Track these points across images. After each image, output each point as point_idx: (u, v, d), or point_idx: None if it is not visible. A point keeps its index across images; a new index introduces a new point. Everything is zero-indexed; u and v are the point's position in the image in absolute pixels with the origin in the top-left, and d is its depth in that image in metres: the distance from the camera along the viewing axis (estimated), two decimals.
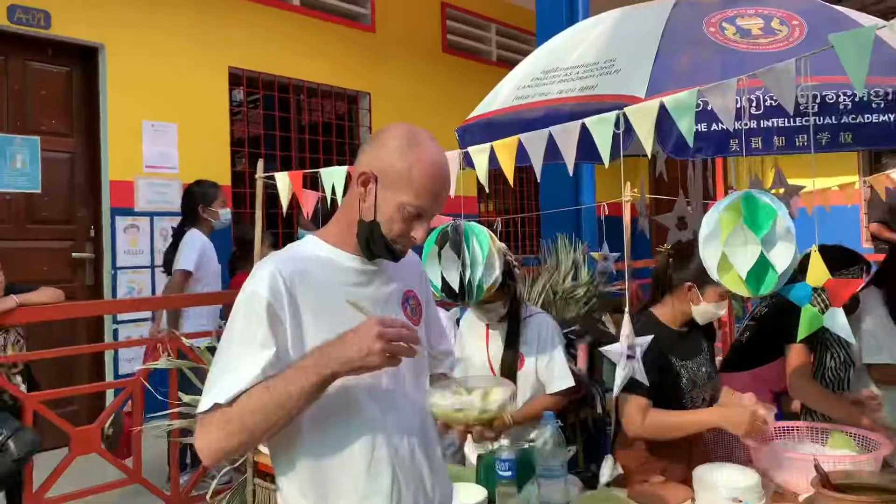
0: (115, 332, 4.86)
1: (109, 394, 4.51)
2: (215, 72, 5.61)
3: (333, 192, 2.76)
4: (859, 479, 1.53)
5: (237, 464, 2.90)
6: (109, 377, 4.82)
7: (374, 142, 1.45)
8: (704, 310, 2.32)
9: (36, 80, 4.79)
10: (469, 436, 1.40)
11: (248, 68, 5.84)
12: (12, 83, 4.68)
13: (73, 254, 4.91)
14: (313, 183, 2.89)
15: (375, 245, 1.42)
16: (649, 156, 1.96)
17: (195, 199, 4.30)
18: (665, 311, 2.39)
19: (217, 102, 5.62)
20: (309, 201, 3.05)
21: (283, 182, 2.92)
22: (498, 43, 8.14)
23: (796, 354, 2.59)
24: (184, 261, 4.13)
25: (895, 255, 2.89)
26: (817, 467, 1.58)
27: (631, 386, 2.12)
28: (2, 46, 4.62)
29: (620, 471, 2.24)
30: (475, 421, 1.34)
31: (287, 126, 6.27)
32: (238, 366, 1.30)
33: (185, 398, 2.85)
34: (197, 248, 4.18)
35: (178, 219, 4.43)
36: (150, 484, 3.17)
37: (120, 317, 4.86)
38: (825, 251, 1.66)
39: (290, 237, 5.86)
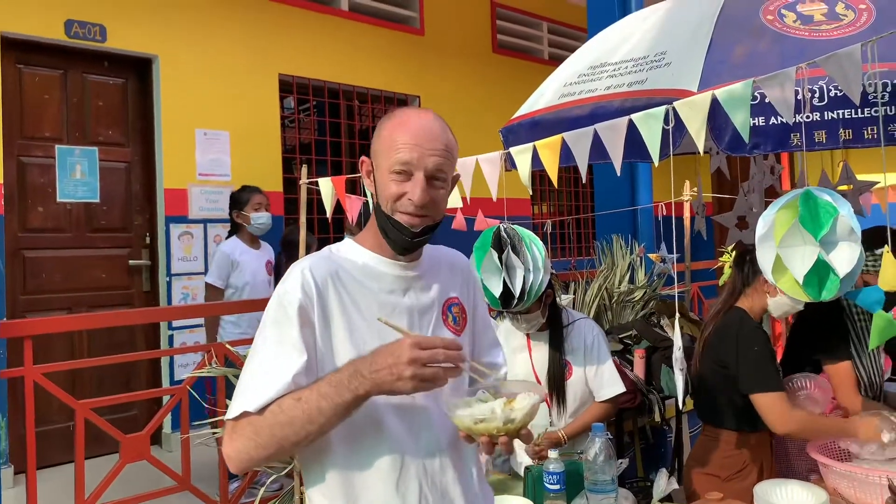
0: (171, 338, 4.94)
1: (166, 398, 4.59)
2: (266, 79, 5.66)
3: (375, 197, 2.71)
4: None
5: (286, 471, 2.89)
6: (166, 383, 4.90)
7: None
8: (781, 302, 2.20)
9: (93, 92, 4.91)
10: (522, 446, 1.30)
11: (299, 75, 5.88)
12: (71, 96, 4.81)
13: (130, 261, 5.01)
14: (360, 188, 2.86)
15: (388, 230, 1.34)
16: (701, 153, 1.84)
17: (230, 206, 4.38)
18: (749, 305, 2.30)
19: (268, 109, 5.67)
20: (353, 206, 3.02)
21: (327, 187, 2.90)
22: (549, 41, 8.00)
23: (843, 373, 2.39)
24: (208, 275, 4.30)
25: None
26: (891, 486, 1.45)
27: (766, 383, 2.10)
28: (60, 60, 4.76)
29: (676, 485, 2.12)
30: (499, 432, 1.23)
31: (338, 132, 6.28)
32: (268, 371, 1.26)
33: None
34: (217, 260, 4.27)
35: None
36: (199, 491, 3.18)
37: (174, 323, 4.93)
38: (868, 233, 1.53)
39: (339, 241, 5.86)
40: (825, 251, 1.45)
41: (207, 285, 4.26)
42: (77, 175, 4.78)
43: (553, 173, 2.10)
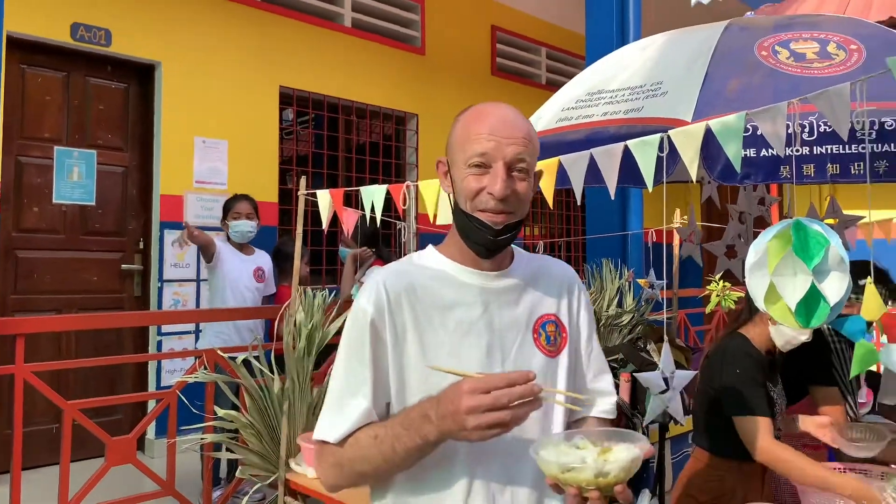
0: (160, 343, 4.93)
1: (152, 404, 4.58)
2: (266, 91, 5.71)
3: (373, 211, 2.75)
4: None
5: (269, 481, 2.89)
6: (152, 389, 4.89)
7: None
8: (782, 332, 2.18)
9: (95, 95, 4.95)
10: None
11: (299, 88, 5.93)
12: (72, 98, 4.85)
13: (123, 265, 5.02)
14: (356, 201, 2.90)
15: (469, 230, 1.24)
16: (694, 180, 1.89)
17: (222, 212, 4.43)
18: (754, 333, 2.29)
19: (267, 121, 5.72)
20: (349, 219, 3.05)
21: (325, 199, 2.93)
22: (548, 66, 8.12)
23: (830, 401, 2.44)
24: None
25: None
26: None
27: (752, 407, 2.08)
28: (64, 63, 4.80)
29: None
30: (589, 485, 1.06)
31: (335, 145, 6.34)
32: (344, 396, 1.24)
33: (220, 412, 2.86)
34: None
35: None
36: (182, 497, 3.18)
37: (164, 329, 4.93)
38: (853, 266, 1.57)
39: (332, 254, 5.90)
40: (817, 280, 1.49)
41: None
42: (74, 177, 4.80)
43: (549, 195, 2.15)
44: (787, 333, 2.16)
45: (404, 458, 1.17)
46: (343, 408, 1.23)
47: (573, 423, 1.38)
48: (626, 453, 1.09)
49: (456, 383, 1.10)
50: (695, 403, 2.43)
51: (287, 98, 5.91)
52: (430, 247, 1.35)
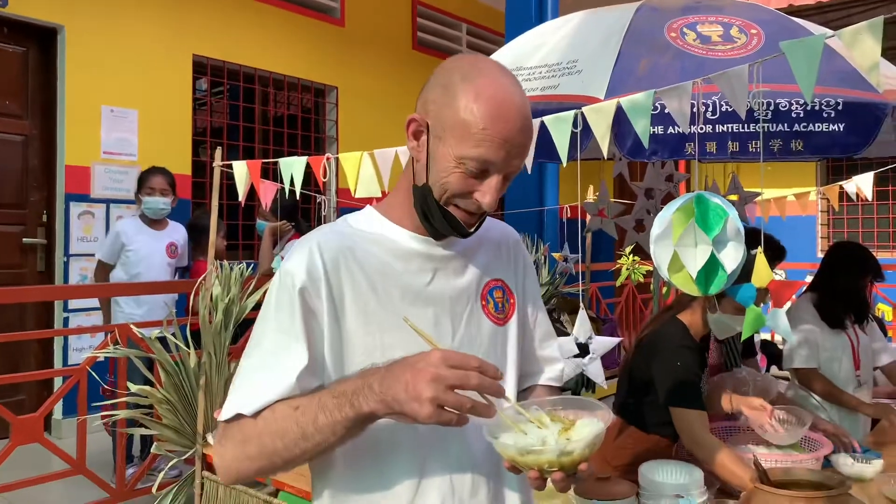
0: (66, 320, 4.74)
1: (59, 383, 4.40)
2: (179, 59, 5.51)
3: (292, 184, 2.73)
4: (797, 476, 1.56)
5: (186, 456, 2.86)
6: (58, 367, 4.70)
7: (428, 82, 1.12)
8: (719, 320, 2.21)
9: None
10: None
11: (214, 57, 5.75)
12: None
13: (24, 239, 4.78)
14: (274, 174, 2.86)
15: (433, 217, 1.09)
16: (605, 156, 1.97)
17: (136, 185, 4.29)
18: (691, 320, 2.31)
19: (180, 90, 5.53)
20: (267, 192, 3.01)
21: (241, 171, 2.88)
22: (468, 42, 8.15)
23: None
24: (98, 249, 4.30)
25: (828, 261, 3.01)
26: (756, 464, 1.61)
27: (689, 400, 2.12)
28: None
29: None
30: (551, 466, 0.97)
31: (251, 117, 6.19)
32: (269, 366, 1.05)
33: (133, 388, 2.79)
34: (108, 237, 4.23)
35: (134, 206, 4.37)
36: (94, 475, 3.10)
37: (71, 304, 4.74)
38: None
39: (250, 228, 5.80)
40: (716, 249, 1.60)
41: (98, 261, 4.18)
42: None
43: None
44: (726, 323, 2.20)
45: (327, 434, 0.98)
46: (262, 382, 1.04)
47: (521, 392, 1.30)
48: (588, 428, 1.00)
49: (424, 352, 0.96)
50: (623, 378, 2.49)
51: (201, 67, 5.72)
52: (368, 207, 1.19)
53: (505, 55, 2.88)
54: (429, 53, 7.66)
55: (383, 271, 1.11)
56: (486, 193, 1.07)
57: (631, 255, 5.19)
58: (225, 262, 3.01)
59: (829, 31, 1.55)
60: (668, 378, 2.21)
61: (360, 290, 1.09)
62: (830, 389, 2.81)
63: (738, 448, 2.20)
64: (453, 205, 1.09)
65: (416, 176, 1.12)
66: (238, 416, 1.04)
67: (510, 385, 1.21)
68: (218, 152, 2.98)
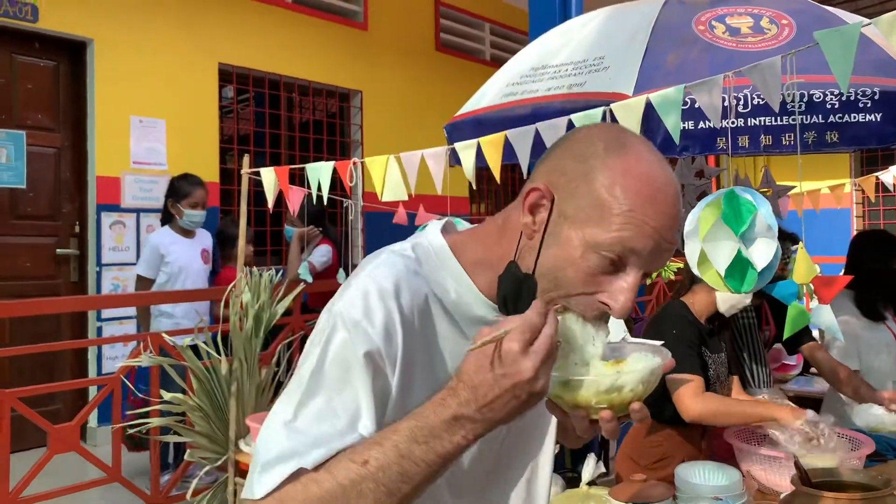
0: (99, 329, 4.80)
1: (93, 392, 4.46)
2: (205, 68, 5.56)
3: (319, 189, 2.73)
4: (839, 477, 1.51)
5: (218, 462, 2.87)
6: (93, 376, 4.77)
7: (558, 146, 0.94)
8: (726, 297, 2.20)
9: (22, 74, 4.73)
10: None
11: (239, 65, 5.80)
12: None
13: (58, 250, 4.85)
14: (301, 179, 2.87)
15: (521, 301, 0.86)
16: None
17: (168, 193, 4.27)
18: (693, 300, 2.33)
19: (206, 99, 5.58)
20: (295, 198, 3.02)
21: (269, 178, 2.90)
22: (492, 42, 8.11)
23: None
24: (138, 265, 4.25)
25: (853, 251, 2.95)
26: (797, 465, 1.56)
27: (682, 366, 2.10)
28: None
29: (603, 469, 2.21)
30: (599, 403, 0.83)
31: (277, 123, 6.23)
32: (320, 423, 0.85)
33: (167, 396, 2.82)
34: (146, 252, 4.20)
35: None
36: (129, 483, 3.13)
37: (104, 314, 4.81)
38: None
39: (277, 234, 5.83)
40: (745, 246, 1.56)
41: (138, 277, 4.19)
42: (3, 159, 4.60)
43: (496, 170, 2.17)
44: (731, 298, 2.20)
45: (419, 482, 0.80)
46: (329, 425, 0.84)
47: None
48: (642, 363, 0.86)
49: (483, 351, 0.78)
50: None
51: (227, 75, 5.77)
52: (443, 246, 0.96)
53: (530, 54, 2.85)
54: (453, 54, 7.65)
55: (453, 336, 0.94)
56: (620, 294, 0.85)
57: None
58: (254, 269, 3.02)
59: (865, 20, 1.51)
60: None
61: (432, 356, 0.92)
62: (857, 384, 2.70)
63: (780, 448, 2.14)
64: (562, 302, 0.87)
65: (520, 255, 0.90)
66: (300, 472, 0.82)
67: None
68: (246, 160, 2.99)
